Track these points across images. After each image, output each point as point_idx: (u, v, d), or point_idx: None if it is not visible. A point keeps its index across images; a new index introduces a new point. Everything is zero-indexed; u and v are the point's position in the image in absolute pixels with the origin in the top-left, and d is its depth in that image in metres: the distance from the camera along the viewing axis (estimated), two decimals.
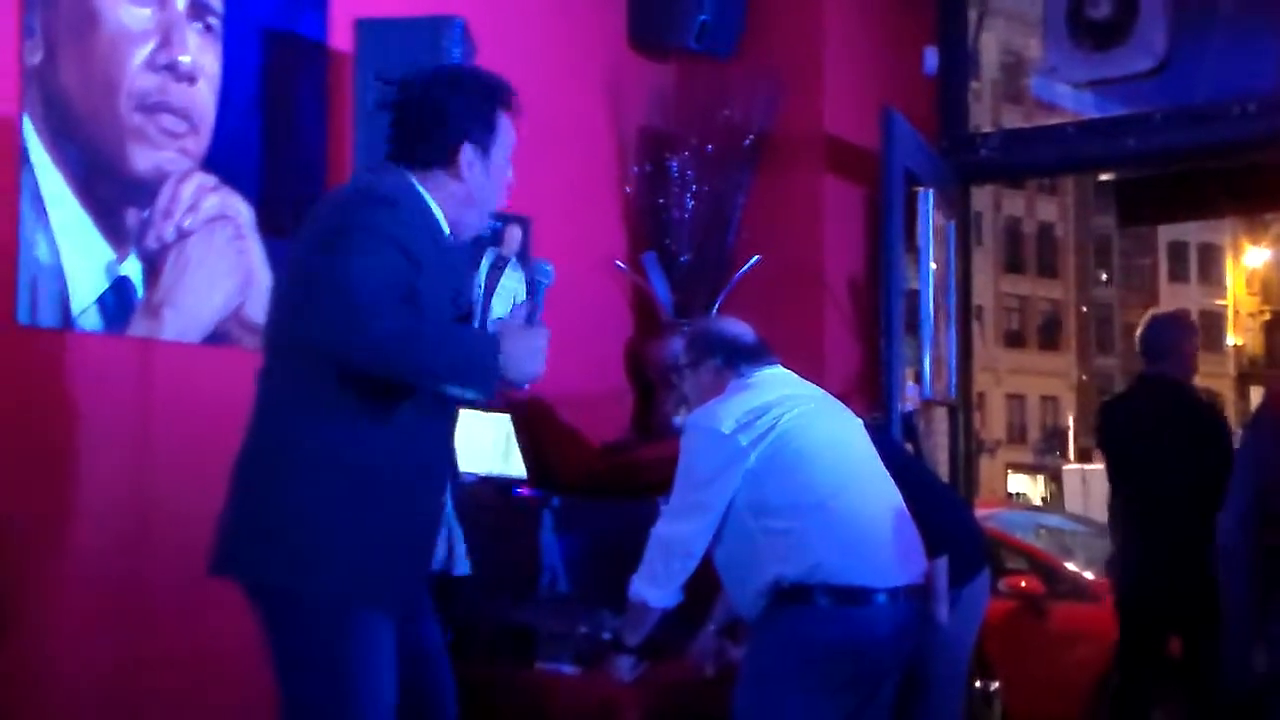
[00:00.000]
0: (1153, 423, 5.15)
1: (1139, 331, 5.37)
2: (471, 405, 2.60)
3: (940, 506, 3.79)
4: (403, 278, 2.53)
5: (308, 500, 2.58)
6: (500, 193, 2.82)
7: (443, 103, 2.75)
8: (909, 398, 5.10)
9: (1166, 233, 41.05)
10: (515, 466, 4.37)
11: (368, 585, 2.62)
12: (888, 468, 3.39)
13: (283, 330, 2.68)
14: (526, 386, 2.66)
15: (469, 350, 2.58)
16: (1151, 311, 5.57)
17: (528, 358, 2.58)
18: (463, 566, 3.44)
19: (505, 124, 2.79)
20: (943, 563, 3.35)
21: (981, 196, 32.47)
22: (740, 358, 3.43)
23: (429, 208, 2.72)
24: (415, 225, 2.63)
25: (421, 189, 2.72)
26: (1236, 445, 4.78)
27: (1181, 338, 5.32)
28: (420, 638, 2.83)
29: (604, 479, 4.43)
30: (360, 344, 2.45)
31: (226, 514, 2.67)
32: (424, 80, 2.80)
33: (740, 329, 3.56)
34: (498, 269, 4.65)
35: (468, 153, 2.73)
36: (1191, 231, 41.40)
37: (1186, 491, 5.00)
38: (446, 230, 2.75)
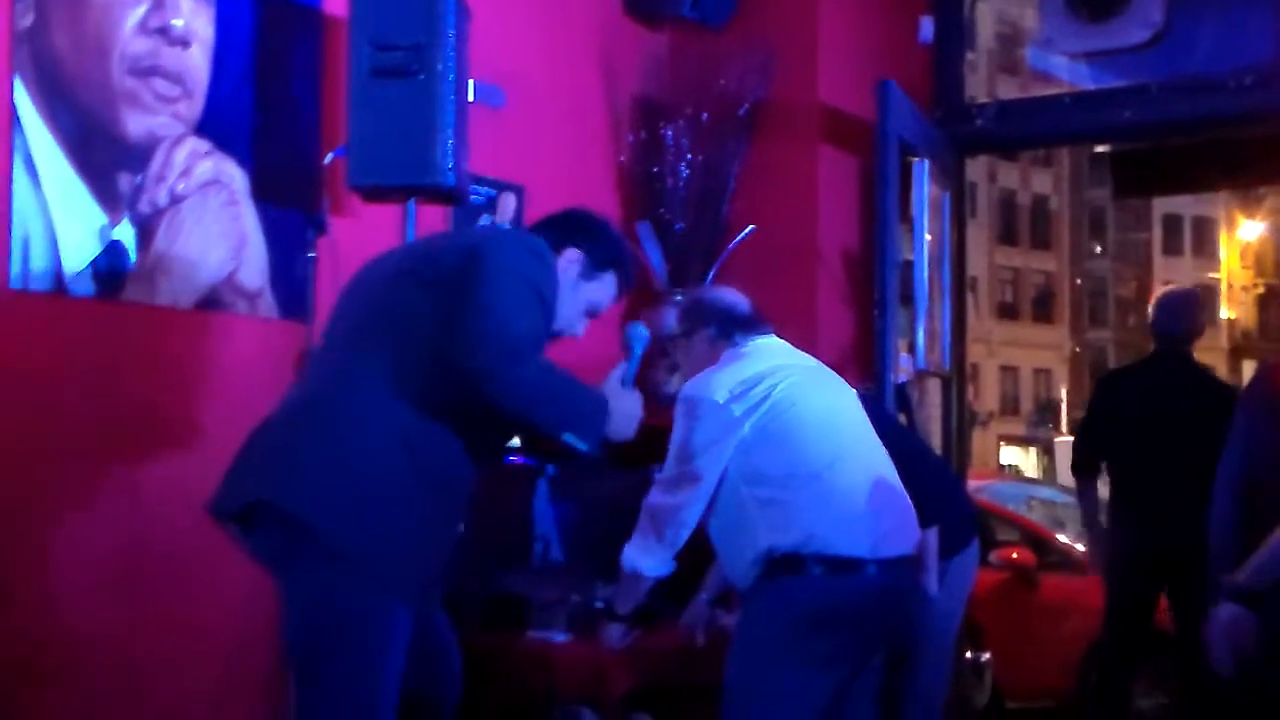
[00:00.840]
0: (1159, 397, 5.16)
1: (1151, 311, 5.37)
2: (576, 458, 2.78)
3: (930, 478, 3.79)
4: (542, 334, 2.77)
5: (388, 477, 2.67)
6: (573, 318, 3.00)
7: (587, 219, 3.08)
8: (903, 368, 5.10)
9: (1161, 206, 41.08)
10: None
11: (412, 575, 2.72)
12: (880, 438, 3.39)
13: (390, 329, 2.77)
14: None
15: (589, 406, 2.75)
16: (1164, 290, 5.57)
17: (625, 420, 2.82)
18: None
19: (610, 280, 3.03)
20: (932, 534, 3.37)
21: (976, 168, 32.48)
22: (735, 327, 3.43)
23: None
24: (556, 292, 2.87)
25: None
26: None
27: (1193, 316, 5.38)
28: (432, 629, 2.90)
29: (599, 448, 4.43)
30: (510, 378, 2.62)
31: (276, 450, 2.72)
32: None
33: (735, 298, 3.55)
34: None
35: (572, 255, 2.96)
36: (1186, 205, 41.43)
37: (1189, 468, 5.03)
38: None
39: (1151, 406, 5.15)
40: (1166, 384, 5.20)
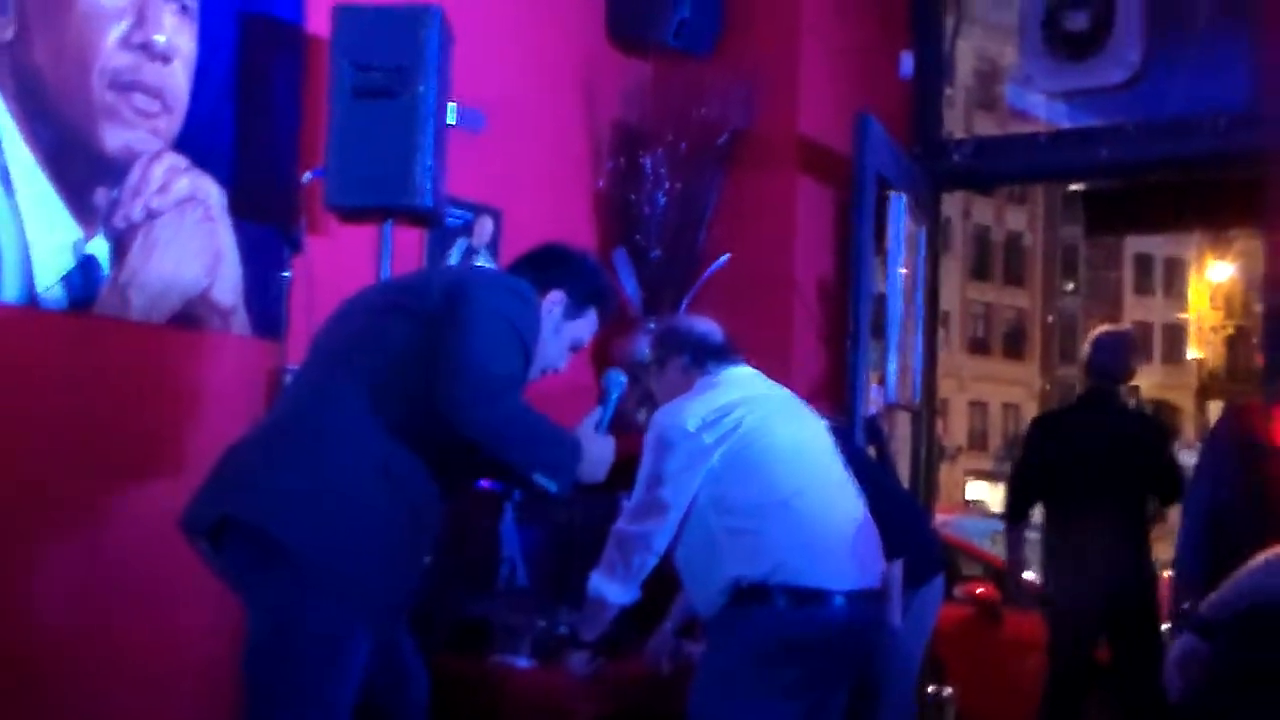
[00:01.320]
0: (1092, 435, 5.22)
1: (1086, 350, 5.43)
2: (545, 497, 2.80)
3: (897, 511, 3.81)
4: (523, 376, 2.81)
5: (363, 501, 2.68)
6: (556, 356, 3.04)
7: (569, 256, 3.11)
8: (873, 401, 5.12)
9: (1132, 245, 41.32)
10: None
11: (379, 598, 2.73)
12: (848, 470, 3.40)
13: (373, 359, 2.78)
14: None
15: (561, 448, 2.77)
16: (1098, 330, 5.64)
17: (596, 465, 2.85)
18: None
19: (592, 315, 3.07)
20: (897, 566, 3.38)
21: (951, 203, 32.55)
22: (707, 355, 3.44)
23: None
24: (538, 333, 2.90)
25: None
26: (1194, 459, 4.83)
27: (1132, 356, 5.45)
28: (398, 652, 2.92)
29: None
30: (483, 417, 2.64)
31: (250, 468, 2.72)
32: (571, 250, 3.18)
33: (708, 327, 3.57)
34: (468, 260, 4.65)
35: (556, 296, 3.00)
36: (1157, 245, 41.67)
37: (1123, 502, 5.09)
38: None
39: (1086, 445, 5.21)
40: (1101, 422, 5.26)
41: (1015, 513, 5.46)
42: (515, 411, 2.70)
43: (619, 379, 3.06)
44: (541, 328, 2.94)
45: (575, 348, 3.10)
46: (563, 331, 3.03)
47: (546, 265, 3.05)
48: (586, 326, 3.08)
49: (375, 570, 2.69)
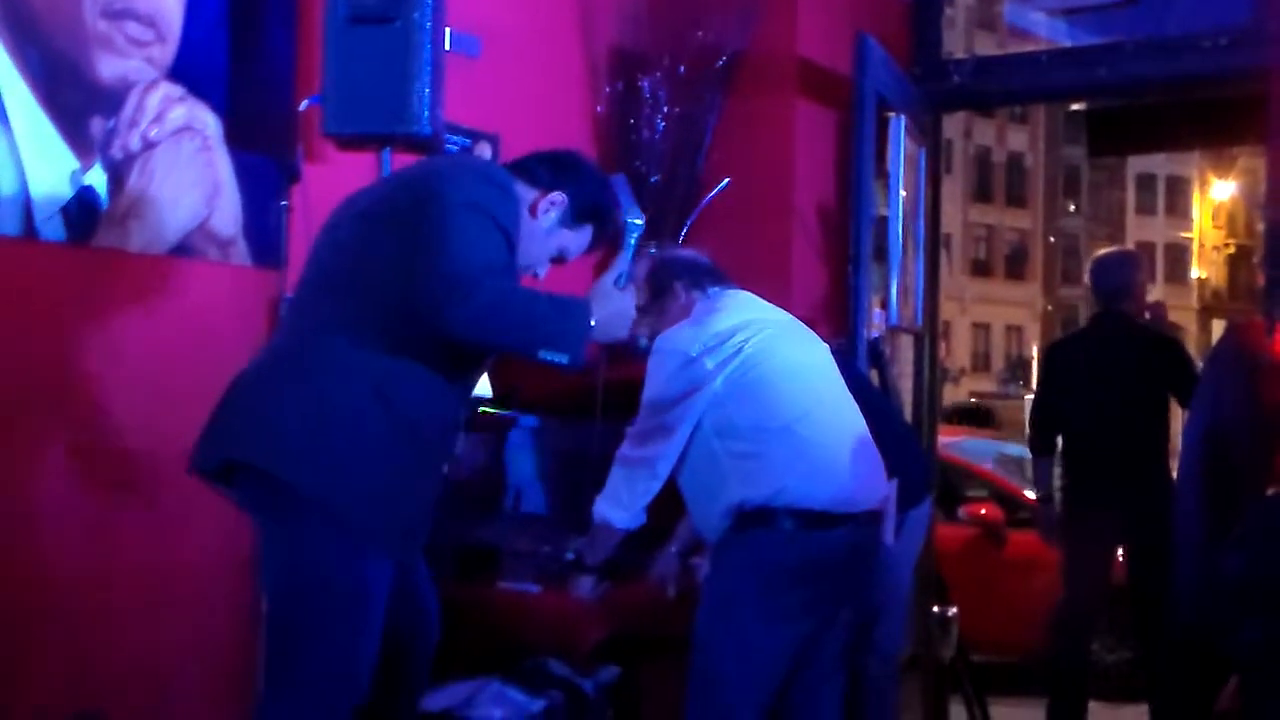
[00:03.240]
0: (1105, 358, 5.23)
1: (1089, 273, 5.43)
2: (563, 370, 2.68)
3: (891, 434, 3.82)
4: (504, 260, 2.70)
5: (362, 430, 2.65)
6: (539, 259, 2.95)
7: (583, 167, 3.02)
8: (875, 324, 5.11)
9: (1135, 165, 41.20)
10: (482, 385, 4.37)
11: (392, 526, 2.71)
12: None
13: (354, 272, 2.74)
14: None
15: (563, 318, 2.66)
16: (1100, 252, 5.63)
17: (616, 321, 2.76)
18: None
19: (586, 232, 2.98)
20: (893, 486, 3.39)
21: (952, 124, 32.39)
22: (704, 276, 3.44)
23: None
24: (516, 219, 2.78)
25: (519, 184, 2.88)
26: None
27: (1137, 275, 5.43)
28: (411, 577, 2.89)
29: (570, 400, 4.44)
30: (460, 311, 2.55)
31: (249, 409, 2.71)
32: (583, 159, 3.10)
33: (694, 253, 3.59)
34: None
35: (557, 198, 2.91)
36: (1159, 164, 41.54)
37: (1140, 424, 5.09)
38: None
39: (1099, 368, 5.22)
40: (1110, 344, 5.27)
41: (1041, 444, 5.48)
42: (497, 297, 2.59)
43: (635, 223, 2.99)
44: (534, 224, 2.88)
45: (559, 259, 3.00)
46: (553, 236, 2.94)
47: (560, 166, 2.96)
48: (577, 241, 2.99)
49: (384, 496, 2.68)
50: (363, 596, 2.67)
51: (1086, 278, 5.50)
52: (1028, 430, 5.57)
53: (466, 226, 2.63)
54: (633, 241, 2.95)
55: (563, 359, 2.63)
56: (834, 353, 3.50)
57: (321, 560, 2.64)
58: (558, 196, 2.92)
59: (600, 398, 4.14)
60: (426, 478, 2.81)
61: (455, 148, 4.51)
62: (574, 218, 2.95)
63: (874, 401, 3.86)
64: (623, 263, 2.89)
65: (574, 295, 2.75)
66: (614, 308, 2.76)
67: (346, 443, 2.65)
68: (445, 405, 2.79)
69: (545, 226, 2.92)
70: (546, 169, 2.94)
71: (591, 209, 2.97)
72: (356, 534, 2.65)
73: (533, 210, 2.90)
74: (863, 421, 3.37)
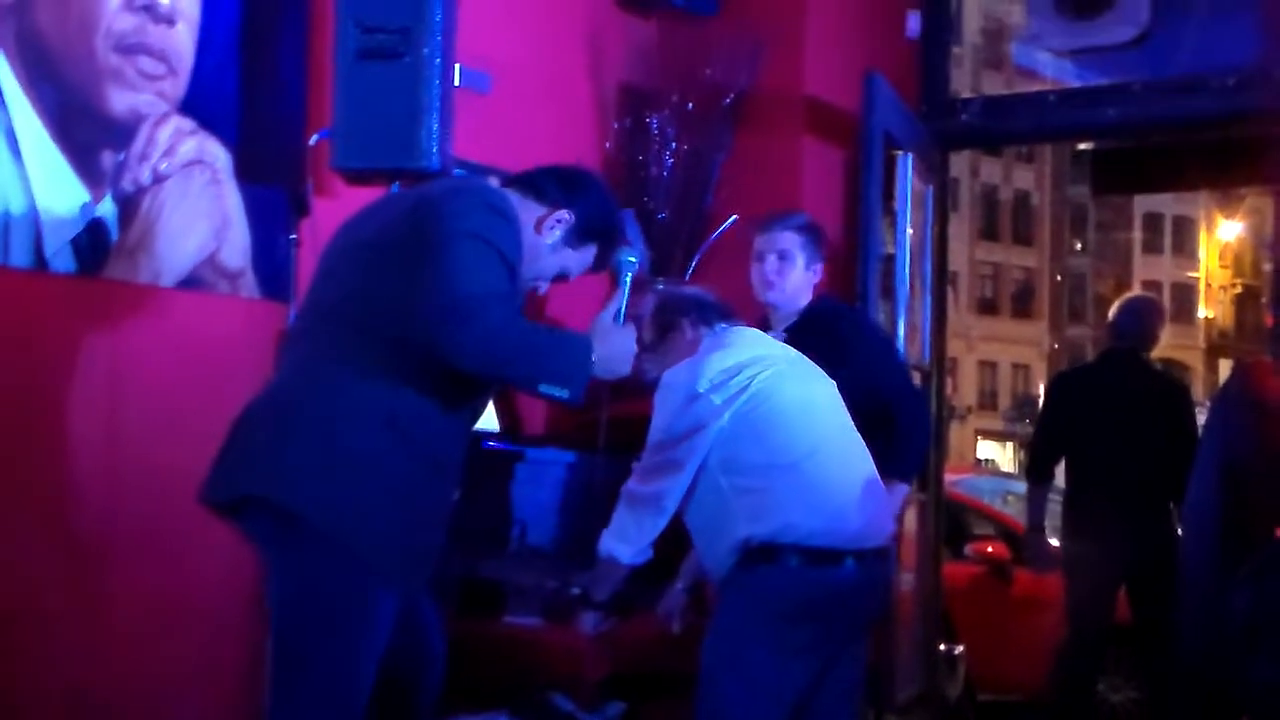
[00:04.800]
0: (1116, 394, 5.23)
1: (1113, 313, 5.46)
2: (563, 405, 2.69)
3: None
4: (508, 291, 2.67)
5: (373, 463, 2.64)
6: (541, 275, 2.91)
7: (593, 185, 2.97)
8: None
9: (1142, 204, 41.20)
10: (487, 419, 4.37)
11: (401, 557, 2.69)
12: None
13: (358, 302, 2.73)
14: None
15: (565, 354, 2.66)
16: (1128, 295, 5.66)
17: (618, 357, 2.75)
18: None
19: (590, 252, 2.93)
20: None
21: (959, 163, 32.52)
22: (711, 312, 3.44)
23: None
24: (517, 245, 2.74)
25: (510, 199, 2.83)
26: (1202, 418, 4.84)
27: (1158, 323, 5.48)
28: (416, 611, 2.87)
29: (576, 434, 4.44)
30: (462, 342, 2.54)
31: (262, 443, 2.69)
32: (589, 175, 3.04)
33: (700, 289, 3.60)
34: None
35: (564, 215, 2.86)
36: (1166, 204, 41.57)
37: (1146, 462, 5.09)
38: None
39: (1108, 404, 5.22)
40: (1122, 381, 5.28)
41: (1038, 472, 5.47)
42: (498, 327, 2.57)
43: (629, 260, 2.94)
44: (538, 240, 2.85)
45: (560, 278, 2.96)
46: (556, 254, 2.90)
47: (569, 184, 2.92)
48: (580, 259, 2.94)
49: (395, 530, 2.67)
50: (367, 626, 2.66)
51: (1111, 315, 5.51)
52: (1026, 459, 5.58)
53: (468, 255, 2.60)
54: (630, 278, 2.90)
55: (564, 394, 2.63)
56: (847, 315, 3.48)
57: (329, 591, 2.64)
58: (564, 215, 2.88)
59: (607, 433, 4.14)
60: (437, 507, 2.80)
61: None
62: (579, 237, 2.90)
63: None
64: (621, 298, 2.86)
65: (575, 331, 2.75)
66: (615, 344, 2.74)
67: (358, 476, 2.64)
68: (455, 434, 2.78)
69: (549, 243, 2.88)
70: (555, 185, 2.90)
71: (598, 229, 2.93)
72: (366, 565, 2.64)
73: (538, 226, 2.87)
74: (869, 459, 3.37)
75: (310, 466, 2.64)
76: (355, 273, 2.76)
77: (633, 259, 2.92)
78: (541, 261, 2.88)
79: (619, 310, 2.81)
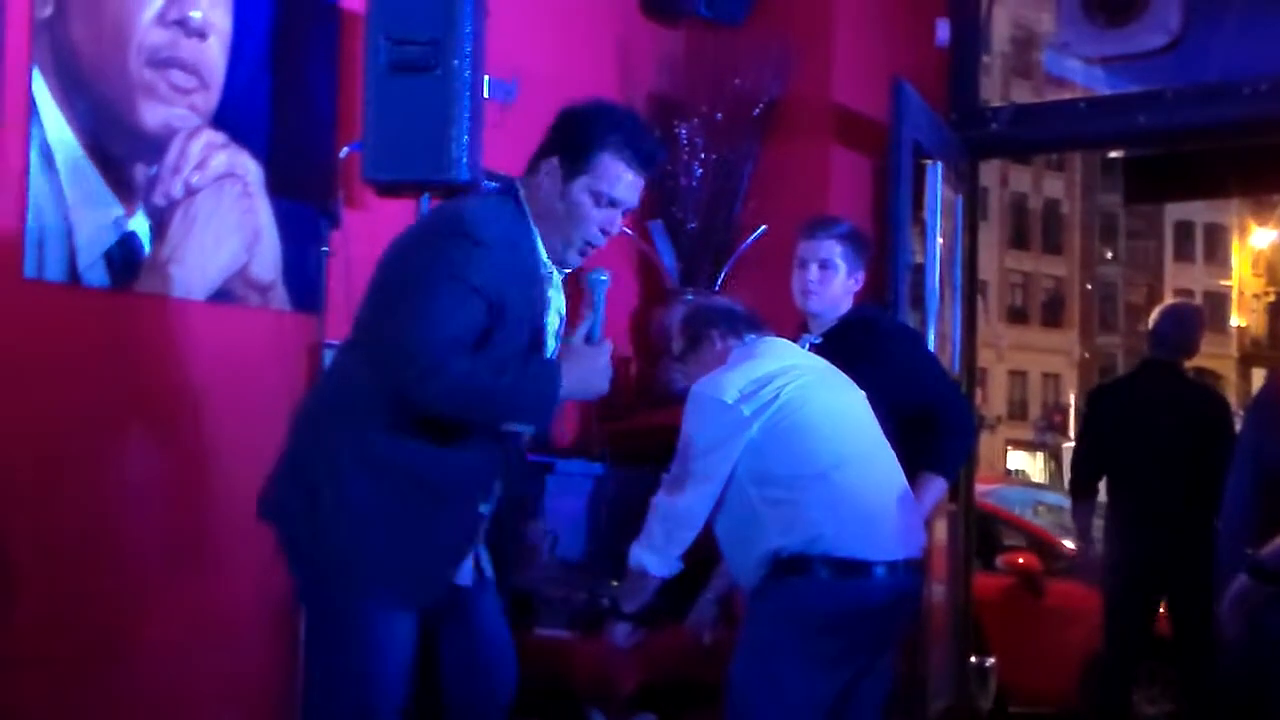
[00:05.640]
0: (1155, 406, 5.20)
1: (1154, 320, 5.41)
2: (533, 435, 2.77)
3: None
4: (476, 325, 2.60)
5: (349, 503, 2.67)
6: (579, 227, 2.75)
7: (563, 115, 2.82)
8: None
9: (1173, 212, 40.95)
10: None
11: (390, 582, 2.69)
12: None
13: (362, 328, 2.77)
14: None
15: (529, 392, 2.64)
16: (1169, 301, 5.61)
17: (591, 379, 2.72)
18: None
19: (605, 163, 2.74)
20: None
21: (988, 171, 32.35)
22: (740, 323, 3.44)
23: (523, 239, 2.75)
24: (502, 265, 2.65)
25: (528, 208, 2.77)
26: (1236, 427, 4.81)
27: (1200, 329, 5.43)
28: (483, 629, 2.91)
29: (606, 446, 4.44)
30: (425, 396, 2.56)
31: (281, 462, 2.78)
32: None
33: (729, 300, 3.59)
34: None
35: (548, 166, 2.76)
36: (1198, 211, 41.29)
37: (1185, 475, 5.05)
38: (545, 258, 2.78)
39: (1146, 418, 5.18)
40: (1160, 395, 5.24)
41: (1081, 487, 5.45)
42: (458, 380, 2.55)
43: (601, 278, 2.80)
44: (551, 204, 2.74)
45: (610, 205, 2.76)
46: (571, 197, 2.74)
47: (548, 136, 2.80)
48: (605, 179, 2.74)
49: (385, 556, 2.68)
50: (371, 648, 2.69)
51: (1151, 322, 5.47)
52: (1069, 475, 5.53)
53: (432, 300, 2.57)
54: (601, 296, 2.79)
55: (528, 430, 2.71)
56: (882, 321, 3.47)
57: (330, 613, 2.71)
58: (548, 164, 2.76)
59: (634, 443, 4.14)
60: (439, 528, 2.76)
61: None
62: (575, 164, 2.74)
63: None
64: (593, 318, 2.78)
65: (548, 360, 2.73)
66: (586, 365, 2.71)
67: (335, 507, 2.67)
68: (455, 455, 2.73)
69: (555, 195, 2.75)
70: (541, 147, 2.81)
71: (586, 142, 2.74)
72: (359, 589, 2.68)
73: (538, 186, 2.78)
74: (899, 470, 3.36)
75: (296, 494, 2.71)
76: (364, 302, 2.80)
77: (604, 278, 2.81)
78: (560, 219, 2.76)
79: (591, 329, 2.77)
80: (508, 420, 2.69)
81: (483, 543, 2.89)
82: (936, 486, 3.88)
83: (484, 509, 2.82)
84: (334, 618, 2.70)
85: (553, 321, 2.83)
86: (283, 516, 2.73)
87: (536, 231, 2.77)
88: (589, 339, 2.75)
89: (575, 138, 2.75)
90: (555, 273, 2.81)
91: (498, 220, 2.72)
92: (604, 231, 2.78)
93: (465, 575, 2.84)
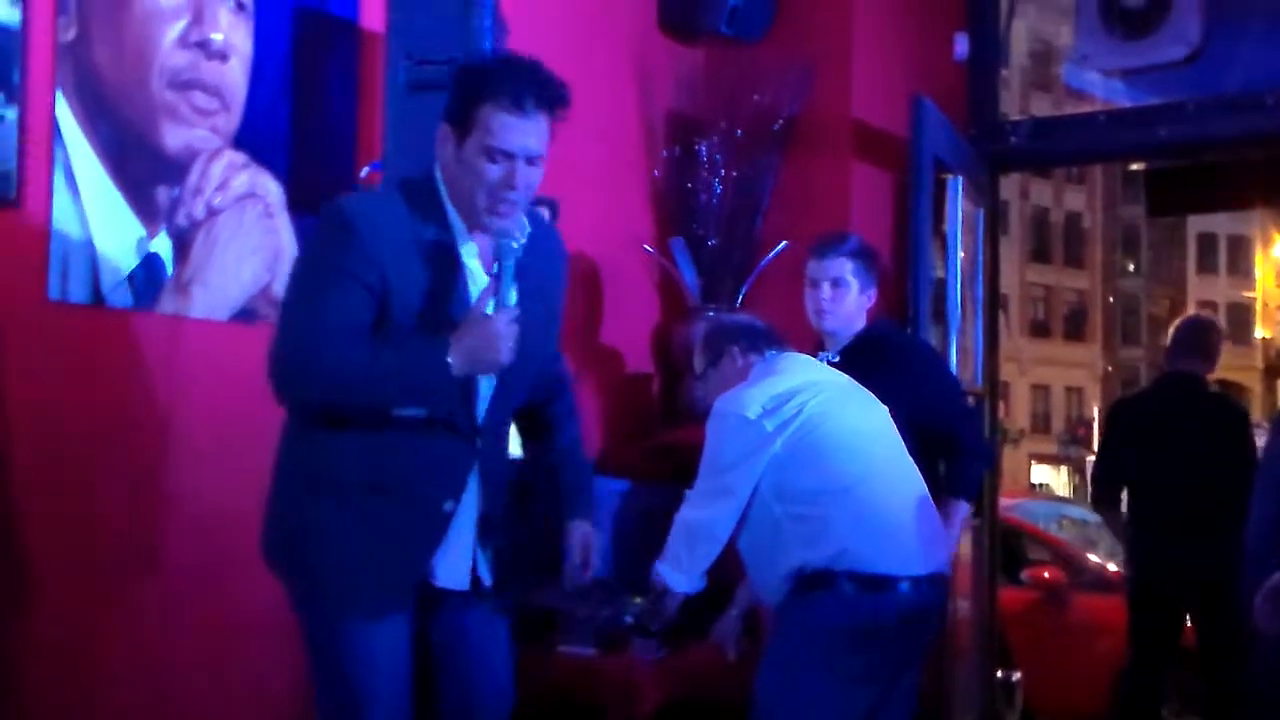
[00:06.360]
0: (1174, 418, 5.18)
1: (1172, 333, 5.40)
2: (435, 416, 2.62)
3: None
4: (356, 310, 2.55)
5: (290, 502, 2.71)
6: (480, 189, 2.61)
7: (454, 75, 2.75)
8: None
9: (1195, 224, 40.84)
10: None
11: (359, 589, 2.66)
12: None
13: None
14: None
15: (409, 370, 2.56)
16: (1186, 314, 5.60)
17: (486, 348, 2.54)
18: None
19: (486, 114, 2.59)
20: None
21: (1009, 185, 32.38)
22: (760, 339, 3.44)
23: (420, 217, 2.64)
24: (382, 247, 2.56)
25: (441, 185, 2.68)
26: (1261, 440, 4.78)
27: (1218, 341, 5.42)
28: (480, 643, 2.85)
29: (629, 462, 4.44)
30: (300, 394, 2.60)
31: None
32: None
33: (750, 316, 3.59)
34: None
35: (443, 133, 2.66)
36: (1220, 223, 41.16)
37: (1207, 487, 5.03)
38: (461, 229, 2.67)
39: (1167, 431, 5.17)
40: (1180, 408, 5.22)
41: (1103, 500, 5.44)
42: (331, 371, 2.53)
43: (509, 243, 2.60)
44: (455, 168, 2.63)
45: (506, 157, 2.60)
46: (464, 158, 2.61)
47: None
48: (488, 132, 2.58)
49: (343, 565, 2.65)
50: (354, 659, 2.66)
51: (1169, 336, 5.46)
52: (1090, 487, 5.51)
53: (305, 296, 2.60)
54: (509, 262, 2.60)
55: (419, 413, 2.61)
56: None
57: (310, 625, 2.72)
58: (442, 132, 2.66)
59: (659, 460, 4.14)
60: (393, 524, 2.66)
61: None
62: (459, 123, 2.62)
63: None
64: (491, 289, 2.59)
65: (433, 338, 2.56)
66: (478, 335, 2.54)
67: (293, 527, 2.70)
68: (393, 448, 2.65)
69: (450, 157, 2.65)
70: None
71: (462, 96, 2.63)
72: (331, 604, 2.67)
73: (443, 164, 2.69)
74: (923, 484, 3.35)
75: (268, 514, 2.75)
76: None
77: (515, 244, 2.61)
78: (463, 183, 2.63)
79: (496, 297, 2.58)
80: (393, 403, 2.60)
81: (480, 547, 2.79)
82: (960, 510, 3.92)
83: (449, 506, 2.69)
84: (316, 637, 2.71)
85: (475, 293, 2.66)
86: (263, 542, 2.75)
87: (449, 203, 2.67)
88: (494, 308, 2.56)
89: (456, 99, 2.64)
90: (471, 243, 2.68)
91: (376, 204, 2.69)
92: (510, 186, 2.60)
93: (452, 579, 2.75)
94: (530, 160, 2.64)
